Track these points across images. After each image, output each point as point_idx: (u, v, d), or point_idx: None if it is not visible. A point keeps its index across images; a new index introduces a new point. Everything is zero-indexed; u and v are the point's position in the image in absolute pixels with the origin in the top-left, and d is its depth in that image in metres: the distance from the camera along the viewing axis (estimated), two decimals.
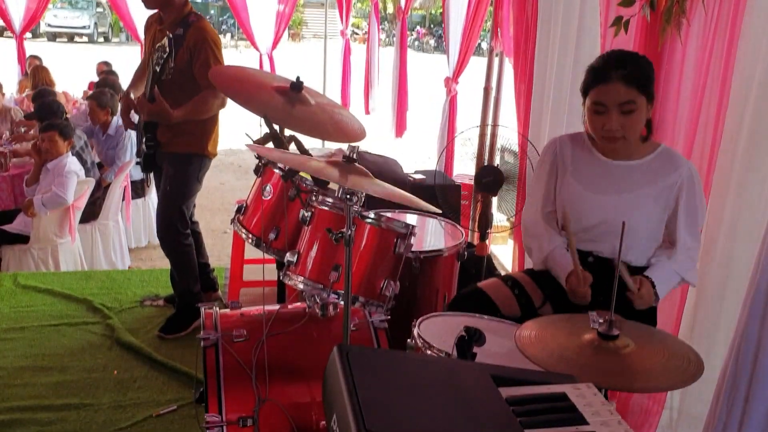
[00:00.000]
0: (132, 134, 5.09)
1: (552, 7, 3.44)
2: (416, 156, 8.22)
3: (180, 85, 3.25)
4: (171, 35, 3.23)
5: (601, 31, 2.82)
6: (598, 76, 2.03)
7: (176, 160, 3.38)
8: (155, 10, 3.42)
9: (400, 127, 8.24)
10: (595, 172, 2.15)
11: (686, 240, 2.09)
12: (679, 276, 2.10)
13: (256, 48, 8.02)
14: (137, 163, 4.67)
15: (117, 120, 5.07)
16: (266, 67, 7.99)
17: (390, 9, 19.06)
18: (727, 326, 2.18)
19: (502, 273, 4.06)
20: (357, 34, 9.79)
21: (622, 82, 1.98)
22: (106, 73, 6.66)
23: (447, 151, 5.04)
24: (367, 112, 9.53)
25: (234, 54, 20.24)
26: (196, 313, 3.52)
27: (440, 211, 2.39)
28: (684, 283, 2.16)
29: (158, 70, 3.24)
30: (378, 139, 8.32)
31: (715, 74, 2.21)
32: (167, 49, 3.22)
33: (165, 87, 3.25)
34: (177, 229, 3.43)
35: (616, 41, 2.61)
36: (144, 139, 3.35)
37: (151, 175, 5.11)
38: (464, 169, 6.36)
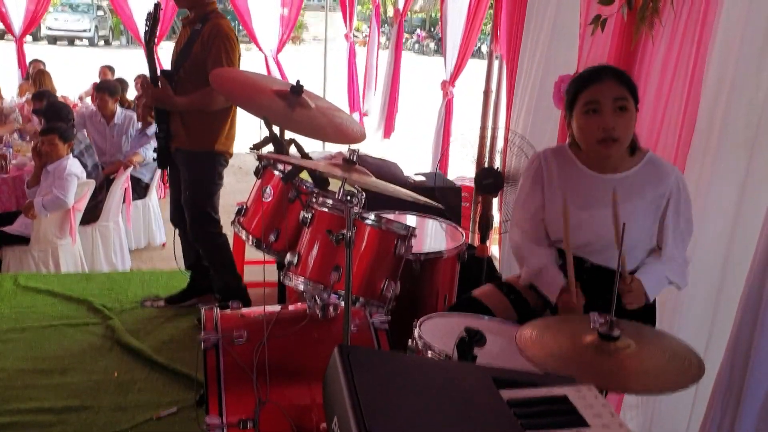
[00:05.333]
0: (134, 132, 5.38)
1: (535, 8, 3.48)
2: (405, 157, 8.22)
3: (193, 80, 3.26)
4: (157, 3, 3.29)
5: (579, 31, 2.84)
6: (590, 78, 2.03)
7: (188, 160, 3.40)
8: (185, 10, 3.44)
9: (388, 129, 8.25)
10: (583, 188, 2.11)
11: (675, 248, 2.08)
12: (668, 279, 2.08)
13: (261, 50, 8.04)
14: (154, 159, 4.80)
15: (122, 111, 5.51)
16: (273, 70, 8.00)
17: (390, 12, 19.12)
18: (691, 334, 2.20)
19: (504, 275, 4.06)
20: (357, 37, 9.81)
21: (615, 80, 2.00)
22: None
23: (443, 154, 5.07)
24: (365, 114, 9.54)
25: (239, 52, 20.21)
26: (203, 288, 3.75)
27: (442, 207, 2.39)
28: (673, 285, 2.14)
29: (147, 38, 3.28)
30: (367, 141, 8.29)
31: (681, 75, 2.23)
32: (153, 14, 3.26)
33: (178, 81, 3.29)
34: (207, 231, 3.45)
35: (593, 40, 2.63)
36: (157, 131, 3.39)
37: (154, 175, 5.26)
38: (464, 171, 6.36)
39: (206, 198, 3.42)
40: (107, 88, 5.47)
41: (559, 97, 2.90)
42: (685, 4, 2.20)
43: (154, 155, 5.06)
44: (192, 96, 3.26)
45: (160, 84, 3.29)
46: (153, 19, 3.29)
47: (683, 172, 2.19)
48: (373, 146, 8.12)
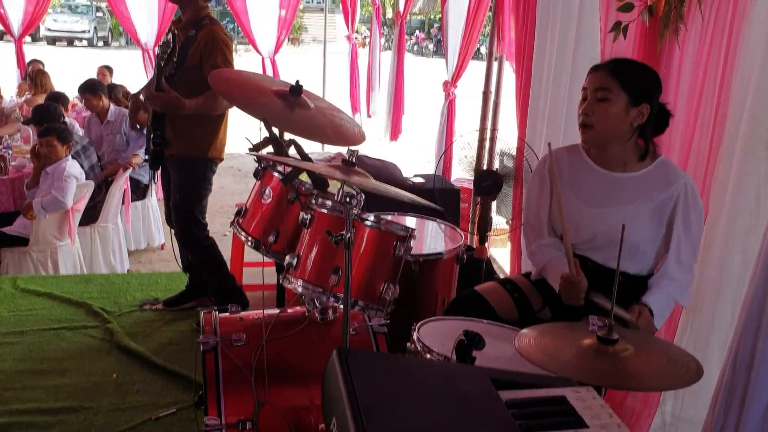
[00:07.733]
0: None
1: (550, 12, 3.45)
2: (411, 160, 8.21)
3: (188, 85, 3.25)
4: (176, 31, 3.31)
5: (600, 37, 2.84)
6: (592, 68, 2.14)
7: (180, 165, 3.41)
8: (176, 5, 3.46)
9: (395, 131, 8.26)
10: (590, 183, 2.15)
11: (682, 257, 2.08)
12: (674, 300, 2.11)
13: (259, 52, 8.04)
14: (145, 161, 4.80)
15: (115, 108, 5.46)
16: (269, 71, 8.00)
17: (389, 14, 19.18)
18: (720, 332, 2.19)
19: (501, 276, 4.06)
20: (356, 39, 9.84)
21: (606, 71, 2.07)
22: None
23: (445, 155, 5.04)
24: (369, 115, 9.57)
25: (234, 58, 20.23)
26: (200, 291, 3.74)
27: (440, 208, 2.39)
28: (678, 305, 2.15)
29: (162, 65, 3.30)
30: (374, 143, 8.31)
31: (711, 79, 2.22)
32: (171, 44, 3.29)
33: (174, 86, 3.27)
34: (194, 234, 3.47)
35: (615, 46, 2.62)
36: (152, 137, 3.39)
37: (153, 175, 5.26)
38: (464, 173, 6.36)
39: (195, 202, 3.44)
40: (87, 88, 5.41)
41: None
42: (712, 9, 2.20)
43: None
44: (199, 99, 3.25)
45: (165, 90, 3.24)
46: (172, 48, 3.30)
47: (714, 175, 2.19)
48: (380, 148, 8.13)
